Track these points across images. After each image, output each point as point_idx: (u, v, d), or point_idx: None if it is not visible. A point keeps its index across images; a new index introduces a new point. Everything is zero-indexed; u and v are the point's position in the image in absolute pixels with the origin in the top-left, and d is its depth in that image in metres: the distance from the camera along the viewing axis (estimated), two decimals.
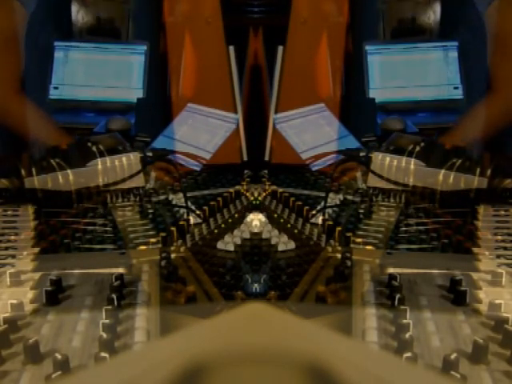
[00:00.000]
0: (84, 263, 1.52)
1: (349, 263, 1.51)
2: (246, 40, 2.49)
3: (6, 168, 2.06)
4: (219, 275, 1.51)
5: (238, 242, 1.68)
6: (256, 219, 1.77)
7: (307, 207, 1.93)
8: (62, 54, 2.67)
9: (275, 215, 1.93)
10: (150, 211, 1.93)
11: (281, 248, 1.66)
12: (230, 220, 1.90)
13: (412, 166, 2.08)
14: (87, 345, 1.15)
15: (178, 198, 2.07)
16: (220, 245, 1.68)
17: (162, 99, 2.78)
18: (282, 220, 1.89)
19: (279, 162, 2.40)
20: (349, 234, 1.68)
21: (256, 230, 1.72)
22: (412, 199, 2.01)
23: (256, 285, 1.43)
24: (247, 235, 1.71)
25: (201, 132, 2.60)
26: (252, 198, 2.04)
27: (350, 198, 2.07)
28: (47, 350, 1.12)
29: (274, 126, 2.51)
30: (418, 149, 2.12)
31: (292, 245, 1.68)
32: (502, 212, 1.90)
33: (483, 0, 2.46)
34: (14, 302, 1.27)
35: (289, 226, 1.85)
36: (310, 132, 2.61)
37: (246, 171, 2.29)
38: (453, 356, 1.05)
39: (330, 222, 1.77)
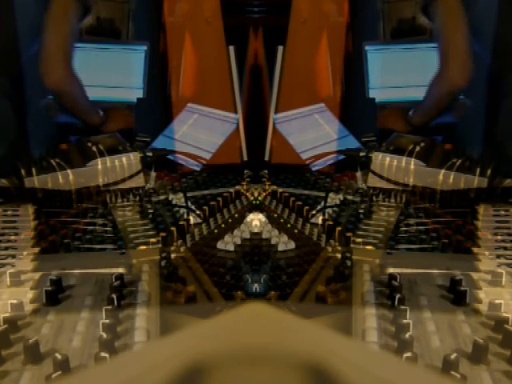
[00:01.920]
0: (84, 263, 1.52)
1: (349, 263, 1.51)
2: (246, 40, 2.49)
3: (6, 168, 2.06)
4: (219, 275, 1.51)
5: (238, 241, 1.68)
6: (256, 219, 1.77)
7: (307, 207, 1.93)
8: None
9: (275, 215, 1.93)
10: (150, 211, 1.93)
11: (281, 248, 1.66)
12: (229, 220, 1.90)
13: (412, 166, 2.08)
14: (87, 345, 1.15)
15: (178, 198, 2.07)
16: (220, 245, 1.68)
17: (162, 99, 2.78)
18: (282, 220, 1.90)
19: (279, 162, 2.41)
20: (349, 234, 1.68)
21: (256, 230, 1.73)
22: (412, 199, 2.01)
23: (256, 285, 1.43)
24: (247, 235, 1.71)
25: (201, 132, 2.60)
26: (252, 197, 2.05)
27: (350, 197, 2.07)
28: (47, 349, 1.13)
29: (274, 125, 2.51)
30: (417, 149, 2.12)
31: (292, 245, 1.68)
32: (502, 212, 1.90)
33: (482, 1, 2.46)
34: (14, 301, 1.27)
35: (289, 225, 1.85)
36: (310, 132, 2.61)
37: (246, 171, 2.29)
38: (453, 356, 1.05)
39: (330, 222, 1.77)
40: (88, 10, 2.59)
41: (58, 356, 1.04)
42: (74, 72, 2.35)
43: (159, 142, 2.49)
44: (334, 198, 2.06)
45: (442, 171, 1.99)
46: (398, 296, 1.28)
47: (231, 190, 2.10)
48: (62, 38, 2.31)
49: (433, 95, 2.39)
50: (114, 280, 1.36)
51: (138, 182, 2.19)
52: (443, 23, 2.39)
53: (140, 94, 2.74)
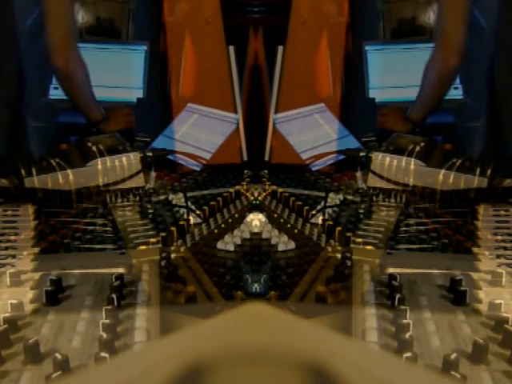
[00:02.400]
0: (84, 263, 1.52)
1: (349, 263, 1.51)
2: (246, 40, 2.49)
3: (6, 168, 2.06)
4: (219, 275, 1.51)
5: (238, 242, 1.68)
6: (256, 219, 1.77)
7: (307, 207, 1.93)
8: None
9: (275, 215, 1.93)
10: (150, 211, 1.93)
11: (281, 248, 1.66)
12: (229, 220, 1.90)
13: (412, 166, 2.08)
14: (87, 345, 1.15)
15: (178, 198, 2.07)
16: (220, 245, 1.68)
17: (162, 99, 2.78)
18: (282, 220, 1.90)
19: (279, 161, 2.41)
20: (349, 234, 1.68)
21: (256, 230, 1.72)
22: (412, 199, 2.01)
23: (256, 285, 1.43)
24: (247, 235, 1.71)
25: (201, 132, 2.60)
26: (252, 198, 2.05)
27: (350, 197, 2.07)
28: (47, 349, 1.13)
29: (274, 125, 2.51)
30: (417, 149, 2.12)
31: (292, 245, 1.68)
32: (502, 212, 1.90)
33: (483, 1, 2.46)
34: (14, 301, 1.27)
35: (289, 225, 1.85)
36: (310, 132, 2.61)
37: (245, 171, 2.29)
38: (453, 356, 1.05)
39: (330, 222, 1.77)
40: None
41: (58, 356, 1.04)
42: (78, 51, 2.34)
43: (159, 142, 2.49)
44: (334, 198, 2.06)
45: (442, 171, 1.99)
46: (398, 296, 1.28)
47: (231, 190, 2.10)
48: (62, 12, 2.29)
49: (428, 81, 2.35)
50: (113, 280, 1.36)
51: (138, 181, 2.19)
52: (442, 7, 2.35)
53: (140, 94, 2.74)
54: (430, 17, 2.77)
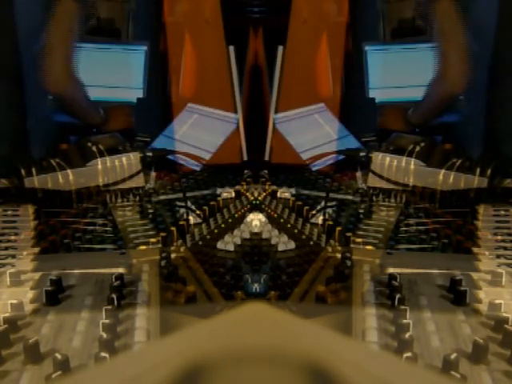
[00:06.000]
0: (84, 263, 1.52)
1: (349, 263, 1.51)
2: (246, 40, 2.49)
3: (6, 168, 2.06)
4: (219, 275, 1.51)
5: (238, 242, 1.68)
6: (256, 219, 1.77)
7: (307, 207, 1.93)
8: None
9: (275, 215, 1.93)
10: (150, 211, 1.93)
11: (281, 248, 1.65)
12: (230, 220, 1.90)
13: (412, 166, 2.08)
14: (87, 345, 1.15)
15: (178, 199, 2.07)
16: (220, 245, 1.68)
17: (162, 99, 2.78)
18: (282, 220, 1.89)
19: (279, 161, 2.40)
20: (349, 234, 1.68)
21: (256, 230, 1.72)
22: (412, 199, 2.01)
23: (256, 285, 1.43)
24: (247, 235, 1.71)
25: (201, 132, 2.60)
26: (252, 198, 2.05)
27: (349, 197, 2.07)
28: (47, 349, 1.13)
29: (274, 125, 2.51)
30: (417, 149, 2.12)
31: (292, 245, 1.68)
32: (502, 212, 1.90)
33: (482, 1, 2.46)
34: (14, 301, 1.27)
35: (289, 225, 1.85)
36: (310, 132, 2.61)
37: (245, 171, 2.29)
38: (453, 356, 1.05)
39: (330, 222, 1.77)
40: (90, 15, 2.59)
41: (58, 356, 1.04)
42: (76, 75, 2.34)
43: (159, 142, 2.49)
44: (334, 198, 2.06)
45: (442, 171, 1.99)
46: (398, 296, 1.28)
47: (231, 190, 2.10)
48: (64, 43, 2.30)
49: (431, 98, 2.39)
50: (114, 280, 1.36)
51: (138, 182, 2.19)
52: (441, 28, 2.39)
53: (140, 94, 2.73)
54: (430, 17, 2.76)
